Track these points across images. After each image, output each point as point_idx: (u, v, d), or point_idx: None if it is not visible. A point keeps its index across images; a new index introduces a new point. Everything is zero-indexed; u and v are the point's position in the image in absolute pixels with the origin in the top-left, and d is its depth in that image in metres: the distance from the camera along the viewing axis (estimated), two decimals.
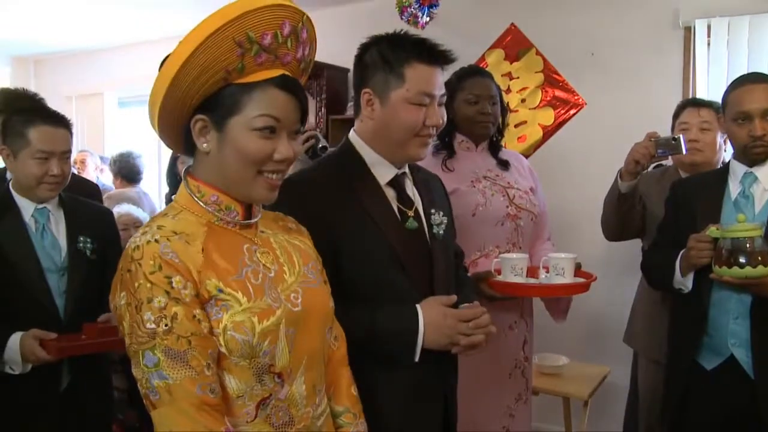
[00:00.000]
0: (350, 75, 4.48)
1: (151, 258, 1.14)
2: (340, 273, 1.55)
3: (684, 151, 2.33)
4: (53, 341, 2.00)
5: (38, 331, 2.00)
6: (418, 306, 1.60)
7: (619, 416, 3.13)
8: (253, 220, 1.31)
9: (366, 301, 1.59)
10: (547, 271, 2.18)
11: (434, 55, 1.65)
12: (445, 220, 1.77)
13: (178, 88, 1.19)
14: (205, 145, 1.25)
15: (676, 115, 2.73)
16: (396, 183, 1.71)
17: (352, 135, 1.75)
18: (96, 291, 2.24)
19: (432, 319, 1.58)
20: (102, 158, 5.13)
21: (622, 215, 2.56)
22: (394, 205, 1.69)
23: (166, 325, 1.12)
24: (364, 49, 1.70)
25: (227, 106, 1.22)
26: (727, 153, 2.78)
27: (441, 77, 1.67)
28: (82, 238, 2.24)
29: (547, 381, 3.11)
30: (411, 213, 1.70)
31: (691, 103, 2.70)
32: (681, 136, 2.35)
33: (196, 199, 1.26)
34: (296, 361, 1.27)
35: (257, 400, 1.22)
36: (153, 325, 1.12)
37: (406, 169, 1.75)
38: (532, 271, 2.22)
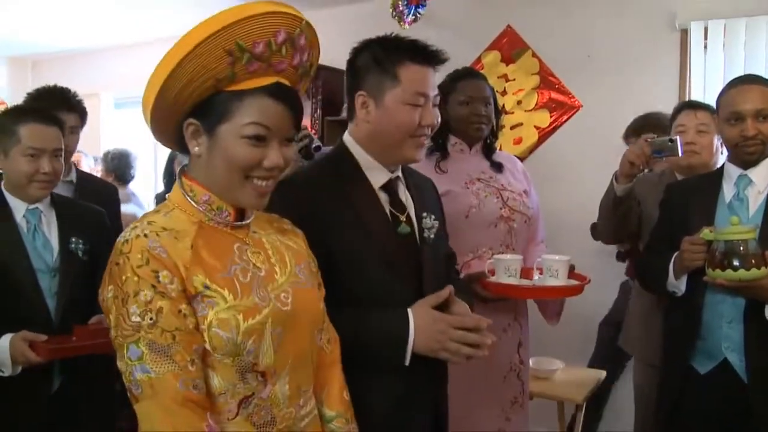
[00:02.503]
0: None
1: (139, 252, 1.15)
2: (331, 275, 1.53)
3: (680, 153, 2.31)
4: (43, 343, 1.99)
5: (28, 333, 1.99)
6: (409, 310, 1.58)
7: (614, 419, 3.13)
8: (245, 222, 1.31)
9: (356, 304, 1.58)
10: (541, 273, 2.17)
11: (427, 55, 1.65)
12: (436, 224, 1.76)
13: (168, 95, 1.19)
14: (196, 148, 1.26)
15: (673, 118, 2.72)
16: (389, 187, 1.71)
17: (347, 137, 1.74)
18: (87, 292, 2.22)
19: (422, 323, 1.56)
20: (96, 159, 5.12)
21: (618, 218, 2.55)
22: (387, 209, 1.68)
23: (151, 319, 1.13)
24: (356, 53, 1.70)
25: (218, 112, 1.22)
26: (724, 156, 2.78)
27: (434, 77, 1.67)
28: (74, 239, 2.23)
29: (542, 385, 3.10)
30: (403, 218, 1.69)
31: (688, 106, 2.70)
32: (678, 137, 2.34)
33: (188, 198, 1.27)
34: (281, 360, 1.27)
35: (239, 398, 1.22)
36: (138, 318, 1.13)
37: (400, 174, 1.75)
38: (525, 273, 2.21)
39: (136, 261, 1.14)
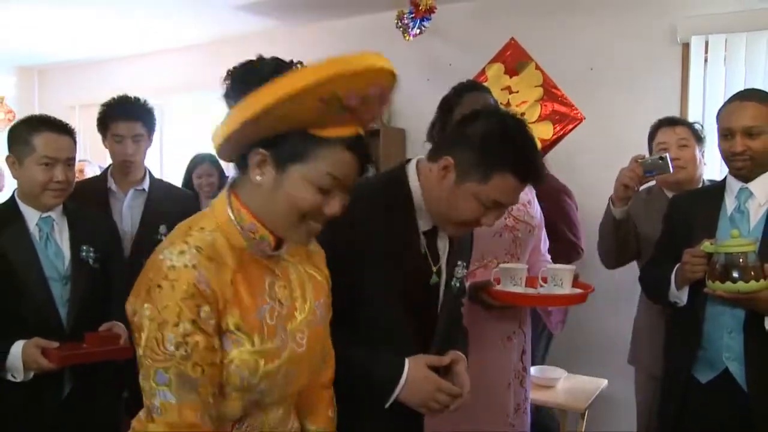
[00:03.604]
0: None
1: (186, 284, 1.14)
2: (349, 301, 1.53)
3: (671, 170, 2.34)
4: (55, 350, 2.02)
5: (40, 340, 2.02)
6: (407, 360, 1.58)
7: (615, 429, 3.15)
8: (281, 251, 1.31)
9: (364, 332, 1.58)
10: (546, 282, 2.20)
11: (531, 175, 1.56)
12: (465, 272, 1.76)
13: (252, 128, 1.16)
14: (258, 178, 1.22)
15: (652, 136, 2.74)
16: (430, 233, 1.67)
17: (412, 167, 1.67)
18: (98, 300, 2.26)
19: (414, 378, 1.57)
20: (101, 168, 5.14)
21: (620, 241, 2.58)
22: (425, 254, 1.66)
23: (185, 351, 1.13)
24: (474, 118, 1.59)
25: (293, 151, 1.19)
26: (707, 167, 2.81)
27: (520, 191, 1.58)
28: (84, 247, 2.26)
29: (544, 393, 3.12)
30: (435, 268, 1.68)
31: (666, 123, 2.72)
32: (667, 155, 2.36)
33: (235, 222, 1.25)
34: (285, 395, 1.31)
35: (234, 420, 1.26)
36: (172, 348, 1.13)
37: None
38: (530, 282, 2.23)
39: (181, 293, 1.14)
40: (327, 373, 1.49)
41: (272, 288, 1.28)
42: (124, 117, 2.77)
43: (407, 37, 3.56)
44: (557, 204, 3.03)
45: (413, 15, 3.56)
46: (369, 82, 1.14)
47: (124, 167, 2.82)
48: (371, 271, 1.57)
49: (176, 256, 1.16)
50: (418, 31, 3.58)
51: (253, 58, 1.28)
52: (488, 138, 1.52)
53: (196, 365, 1.15)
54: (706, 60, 3.34)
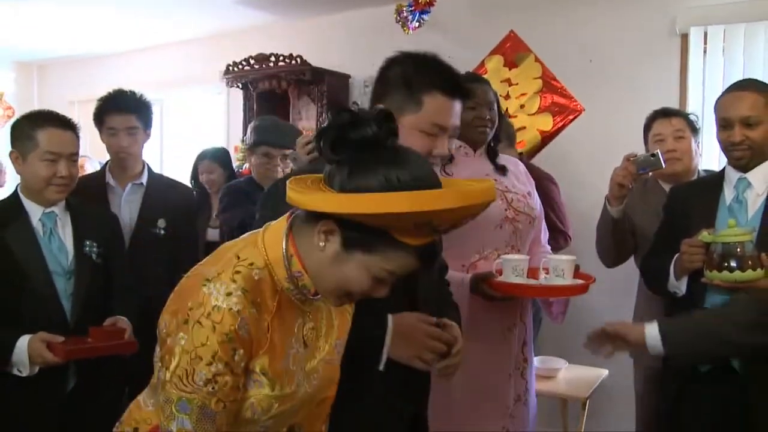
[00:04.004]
0: (351, 81, 4.55)
1: (228, 328, 1.14)
2: None
3: (663, 165, 2.36)
4: (60, 344, 2.03)
5: (45, 334, 2.04)
6: (390, 315, 1.58)
7: (615, 418, 3.17)
8: (318, 297, 1.29)
9: None
10: (547, 273, 2.21)
11: (457, 88, 1.62)
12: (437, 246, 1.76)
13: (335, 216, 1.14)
14: (321, 244, 1.18)
15: (648, 128, 2.75)
16: None
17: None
18: (101, 294, 2.28)
19: (401, 329, 1.56)
20: (101, 163, 5.16)
21: (617, 240, 2.60)
22: None
23: (212, 388, 1.15)
24: (390, 65, 1.66)
25: (366, 241, 1.16)
26: (703, 158, 2.82)
27: (458, 110, 1.63)
28: (88, 242, 2.27)
29: (545, 383, 3.14)
30: None
31: (662, 114, 2.73)
32: (658, 151, 2.37)
33: (285, 266, 1.22)
34: (283, 425, 1.33)
35: None
36: (201, 383, 1.14)
37: None
38: (532, 273, 2.24)
39: (220, 336, 1.13)
40: (329, 392, 1.47)
41: (301, 330, 1.29)
42: (117, 110, 2.77)
43: (407, 31, 3.57)
44: (545, 192, 3.03)
45: (413, 8, 3.56)
46: (467, 214, 1.15)
47: (120, 160, 2.82)
48: None
49: (223, 296, 1.15)
50: (417, 24, 3.59)
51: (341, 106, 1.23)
52: (407, 72, 1.61)
53: (220, 401, 1.16)
54: (705, 51, 3.35)
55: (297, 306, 1.27)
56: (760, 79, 2.49)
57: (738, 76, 3.13)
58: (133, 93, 2.85)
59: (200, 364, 1.14)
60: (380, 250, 1.15)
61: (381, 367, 1.57)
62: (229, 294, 1.15)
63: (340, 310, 1.38)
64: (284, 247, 1.22)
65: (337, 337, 1.37)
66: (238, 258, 1.21)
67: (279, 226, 1.25)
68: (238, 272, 1.18)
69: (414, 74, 1.60)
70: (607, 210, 2.51)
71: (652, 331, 1.90)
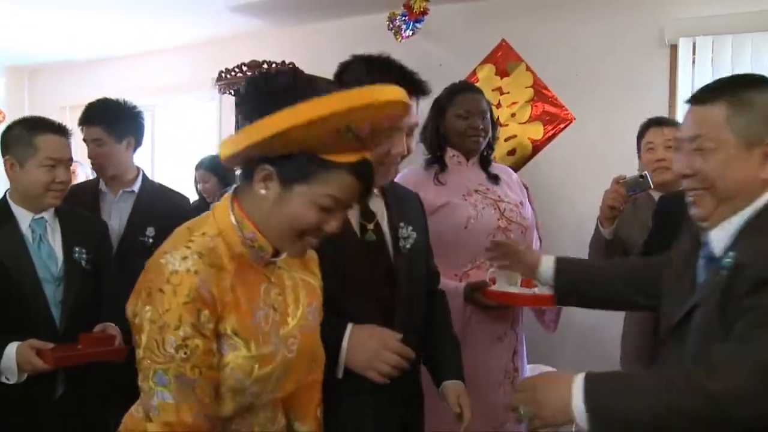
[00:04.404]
0: None
1: (188, 289, 1.17)
2: None
3: (651, 186, 2.39)
4: (50, 351, 2.02)
5: (35, 341, 2.02)
6: (350, 324, 1.57)
7: None
8: (278, 258, 1.34)
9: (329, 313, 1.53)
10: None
11: (407, 82, 1.59)
12: (414, 235, 1.74)
13: (262, 147, 1.19)
14: (263, 191, 1.25)
15: (641, 135, 2.77)
16: None
17: None
18: (91, 301, 2.27)
19: (358, 338, 1.55)
20: (91, 169, 5.13)
21: (611, 259, 2.61)
22: (354, 218, 1.66)
23: (185, 353, 1.17)
24: (344, 69, 1.69)
25: (300, 171, 1.22)
26: None
27: (414, 106, 1.63)
28: (77, 249, 2.27)
29: None
30: (370, 226, 1.68)
31: (655, 123, 2.74)
32: (647, 172, 2.41)
33: (237, 229, 1.27)
34: (273, 398, 1.34)
35: (225, 417, 1.28)
36: (173, 351, 1.16)
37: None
38: (525, 282, 2.25)
39: (182, 297, 1.17)
40: (316, 374, 1.50)
41: (267, 294, 1.31)
42: (84, 122, 2.79)
43: (399, 39, 3.57)
44: None
45: (407, 17, 3.57)
46: (383, 113, 1.19)
47: (95, 170, 2.88)
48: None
49: (179, 261, 1.19)
50: (410, 33, 3.59)
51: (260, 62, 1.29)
52: (360, 74, 1.61)
53: (195, 367, 1.18)
54: (693, 62, 3.37)
55: (259, 270, 1.30)
56: None
57: None
58: (104, 103, 2.82)
59: (168, 331, 1.16)
60: (315, 176, 1.21)
61: (339, 375, 1.57)
62: (185, 258, 1.20)
63: (303, 280, 1.40)
64: (232, 213, 1.28)
65: (308, 303, 1.39)
66: (191, 230, 1.27)
67: (225, 199, 1.32)
68: (191, 241, 1.23)
69: (366, 76, 1.59)
70: (599, 231, 2.52)
71: (548, 260, 1.85)
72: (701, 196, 1.43)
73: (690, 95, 1.48)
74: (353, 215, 1.65)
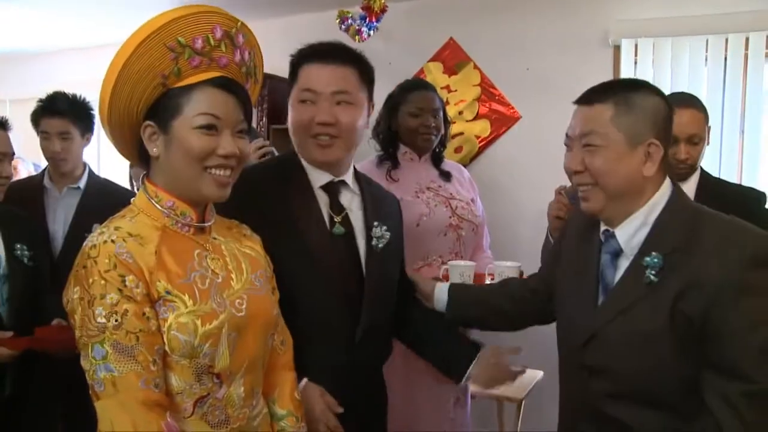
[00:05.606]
0: None
1: (107, 257, 1.20)
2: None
3: None
4: (11, 339, 1.99)
5: None
6: (305, 380, 1.58)
7: (549, 418, 3.23)
8: (206, 224, 1.37)
9: (288, 301, 1.54)
10: (493, 279, 2.24)
11: (320, 53, 1.68)
12: (387, 235, 1.76)
13: (120, 99, 1.26)
14: (155, 149, 1.31)
15: None
16: (330, 188, 1.71)
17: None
18: (35, 298, 2.23)
19: (306, 396, 1.56)
20: (36, 166, 5.00)
21: None
22: (325, 209, 1.69)
23: (116, 321, 1.18)
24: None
25: (169, 109, 1.29)
26: None
27: (330, 74, 1.66)
28: (18, 246, 2.23)
29: None
30: (338, 218, 1.69)
31: None
32: None
33: (153, 203, 1.32)
34: (236, 364, 1.33)
35: (195, 398, 1.28)
36: (103, 320, 1.18)
37: (348, 179, 1.75)
38: (478, 278, 2.28)
39: (103, 265, 1.19)
40: (286, 355, 1.52)
41: (202, 259, 1.33)
42: (50, 113, 2.69)
43: (359, 40, 3.57)
44: None
45: (367, 20, 3.57)
46: (205, 23, 1.29)
47: (55, 165, 2.74)
48: (273, 233, 1.56)
49: (96, 237, 1.23)
50: (371, 33, 3.61)
51: None
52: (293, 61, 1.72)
53: (129, 333, 1.19)
54: (635, 62, 3.48)
55: (190, 238, 1.34)
56: (685, 90, 2.61)
57: (666, 88, 3.26)
58: (68, 96, 2.76)
59: (96, 302, 1.18)
60: (183, 105, 1.28)
61: None
62: (101, 233, 1.25)
63: (243, 252, 1.43)
64: (146, 192, 1.33)
65: (252, 271, 1.41)
66: (111, 220, 1.31)
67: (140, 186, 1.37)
68: (111, 222, 1.29)
69: (291, 58, 1.72)
70: (549, 241, 2.57)
71: (442, 289, 1.94)
72: (591, 191, 1.52)
73: (578, 97, 1.61)
74: (324, 205, 1.69)
